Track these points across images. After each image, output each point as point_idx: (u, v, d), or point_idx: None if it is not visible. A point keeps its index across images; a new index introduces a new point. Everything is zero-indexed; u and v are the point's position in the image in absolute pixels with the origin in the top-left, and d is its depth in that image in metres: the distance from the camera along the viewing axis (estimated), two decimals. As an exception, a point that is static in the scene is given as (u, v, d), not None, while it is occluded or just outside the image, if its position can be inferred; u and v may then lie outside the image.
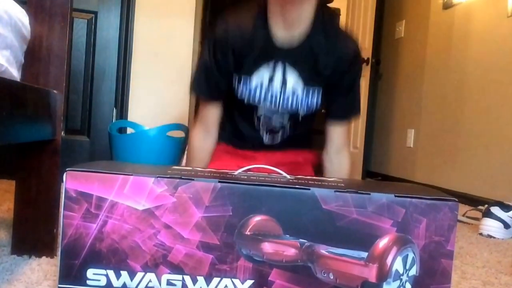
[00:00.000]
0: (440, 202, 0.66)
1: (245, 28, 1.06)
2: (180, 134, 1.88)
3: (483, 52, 2.46)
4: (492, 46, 2.39)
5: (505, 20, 2.30)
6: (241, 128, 1.23)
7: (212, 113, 1.15)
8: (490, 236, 1.57)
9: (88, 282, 0.65)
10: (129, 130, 2.21)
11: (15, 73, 0.88)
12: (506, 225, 1.57)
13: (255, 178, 0.70)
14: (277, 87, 1.09)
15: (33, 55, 0.97)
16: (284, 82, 1.09)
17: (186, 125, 2.34)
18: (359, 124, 3.50)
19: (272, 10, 1.03)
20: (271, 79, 1.09)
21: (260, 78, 1.09)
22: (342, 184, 0.71)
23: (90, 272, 0.65)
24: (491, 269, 1.15)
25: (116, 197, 0.64)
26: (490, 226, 1.58)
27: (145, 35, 2.45)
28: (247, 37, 1.05)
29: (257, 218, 0.65)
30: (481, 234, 1.60)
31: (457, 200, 0.67)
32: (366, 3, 3.49)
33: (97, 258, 0.65)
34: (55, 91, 0.98)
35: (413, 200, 0.66)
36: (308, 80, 1.09)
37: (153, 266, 0.65)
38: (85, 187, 0.64)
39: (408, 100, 3.23)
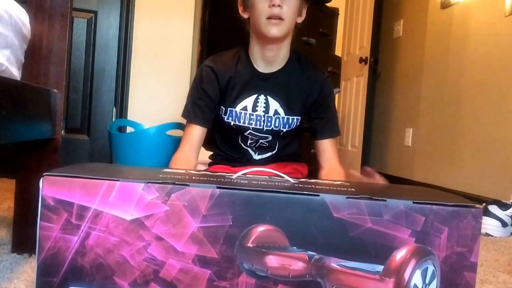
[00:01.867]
0: (463, 209, 0.60)
1: (229, 63, 1.21)
2: (179, 133, 1.87)
3: (481, 52, 2.47)
4: (490, 45, 2.39)
5: (503, 20, 2.30)
6: (231, 150, 1.32)
7: (196, 133, 1.21)
8: (488, 235, 1.58)
9: None
10: (129, 129, 2.22)
11: (15, 72, 0.88)
12: (504, 224, 1.58)
13: (256, 183, 0.64)
14: (261, 111, 1.22)
15: (33, 54, 0.97)
16: (267, 110, 1.22)
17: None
18: (358, 123, 3.51)
19: (253, 50, 1.20)
20: (254, 108, 1.22)
21: (244, 107, 1.22)
22: (353, 189, 0.65)
23: None
24: (489, 268, 1.15)
25: (100, 206, 0.57)
26: (488, 224, 1.58)
27: (144, 35, 2.45)
28: (232, 70, 1.20)
29: (261, 228, 0.58)
30: (479, 232, 1.61)
31: (481, 207, 0.61)
32: (365, 3, 3.49)
33: (79, 275, 0.57)
34: (55, 90, 0.98)
35: (434, 207, 0.59)
36: (288, 110, 1.23)
37: (143, 283, 0.58)
38: (65, 194, 0.57)
39: (406, 99, 3.24)
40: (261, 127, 1.23)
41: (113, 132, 1.86)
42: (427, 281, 0.60)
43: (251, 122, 1.22)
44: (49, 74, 0.98)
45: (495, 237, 1.56)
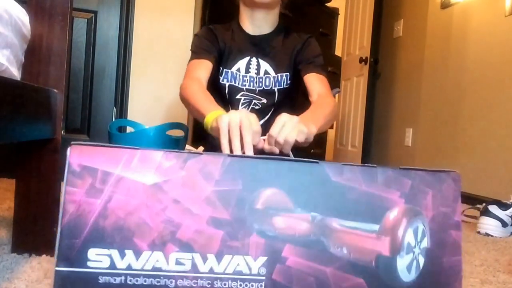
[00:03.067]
0: (444, 174, 0.67)
1: (224, 31, 1.33)
2: (179, 133, 1.87)
3: (481, 51, 2.47)
4: (490, 45, 2.39)
5: (503, 20, 2.31)
6: None
7: (204, 64, 1.23)
8: (488, 235, 1.58)
9: (89, 263, 0.60)
10: (129, 129, 2.22)
11: (15, 72, 0.88)
12: (504, 224, 1.58)
13: (262, 154, 0.70)
14: (253, 74, 1.31)
15: (33, 54, 0.97)
16: (258, 70, 1.31)
17: (186, 124, 2.34)
18: (358, 123, 3.51)
19: (243, 16, 1.31)
20: (247, 69, 1.31)
21: (238, 68, 1.31)
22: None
23: (92, 253, 0.60)
24: (489, 268, 1.15)
25: (122, 171, 0.60)
26: (488, 224, 1.58)
27: (144, 35, 2.45)
28: (227, 37, 1.31)
29: (268, 192, 0.63)
30: (479, 232, 1.61)
31: (458, 172, 0.68)
32: (365, 3, 3.49)
33: (100, 237, 0.60)
34: (55, 90, 0.98)
35: (418, 172, 0.66)
36: (278, 69, 1.32)
37: (160, 244, 0.61)
38: (90, 161, 0.60)
39: (406, 99, 3.24)
40: (254, 88, 1.31)
41: (113, 132, 1.86)
42: (418, 239, 0.66)
43: (244, 83, 1.30)
44: (49, 74, 0.99)
45: (495, 237, 1.56)
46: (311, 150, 3.11)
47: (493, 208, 1.59)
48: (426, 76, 3.00)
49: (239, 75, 1.30)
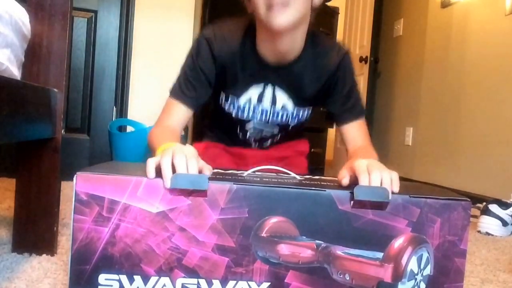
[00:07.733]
0: (454, 202, 0.67)
1: (232, 43, 1.01)
2: (179, 132, 1.88)
3: (481, 50, 2.47)
4: (490, 44, 2.39)
5: (503, 19, 2.30)
6: (229, 136, 1.20)
7: (181, 114, 1.02)
8: (488, 234, 1.58)
9: (100, 287, 0.63)
10: (129, 128, 2.22)
11: (15, 72, 0.88)
12: (504, 223, 1.58)
13: (268, 180, 0.69)
14: (267, 105, 1.07)
15: (33, 53, 0.97)
16: (274, 102, 1.07)
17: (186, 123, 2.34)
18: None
19: (261, 44, 0.99)
20: (260, 99, 1.06)
21: (249, 98, 1.06)
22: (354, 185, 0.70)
23: (102, 278, 0.63)
24: (489, 267, 1.15)
25: (129, 200, 0.62)
26: (488, 223, 1.58)
27: (144, 34, 2.45)
28: (235, 54, 1.01)
29: (273, 220, 0.64)
30: (479, 231, 1.61)
31: (469, 200, 0.68)
32: (365, 2, 3.50)
33: (109, 263, 0.63)
34: (55, 90, 0.98)
35: (428, 200, 0.66)
36: (298, 102, 1.08)
37: (167, 270, 0.63)
38: (97, 190, 0.62)
39: (406, 98, 3.24)
40: (267, 121, 1.10)
41: (113, 131, 1.86)
42: (422, 267, 0.66)
43: (255, 115, 1.08)
44: (49, 74, 0.99)
45: (496, 236, 1.56)
46: (311, 149, 3.11)
47: (494, 207, 1.59)
48: (426, 74, 3.00)
49: (249, 107, 1.07)
